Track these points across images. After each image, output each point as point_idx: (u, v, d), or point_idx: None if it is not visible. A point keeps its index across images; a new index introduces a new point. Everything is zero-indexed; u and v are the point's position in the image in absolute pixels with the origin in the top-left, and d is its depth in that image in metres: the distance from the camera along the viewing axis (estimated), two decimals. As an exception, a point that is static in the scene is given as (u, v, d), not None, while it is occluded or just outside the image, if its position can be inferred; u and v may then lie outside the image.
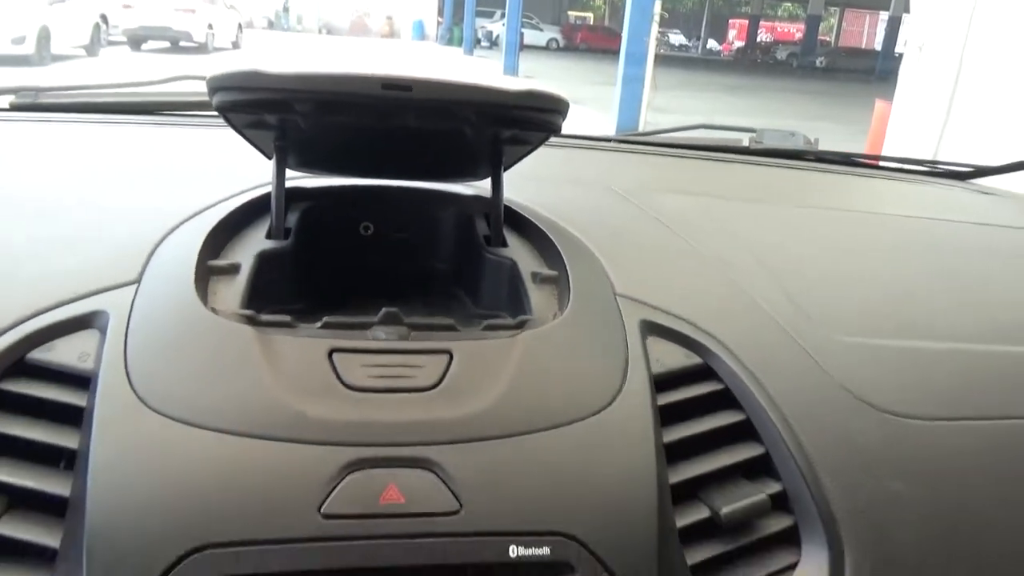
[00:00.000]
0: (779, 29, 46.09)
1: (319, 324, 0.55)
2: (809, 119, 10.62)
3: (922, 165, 1.43)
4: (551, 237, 0.70)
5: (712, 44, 42.19)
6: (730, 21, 45.42)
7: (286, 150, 0.67)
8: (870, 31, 43.52)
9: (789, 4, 43.69)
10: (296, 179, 0.74)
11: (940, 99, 5.47)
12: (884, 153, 4.62)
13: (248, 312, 0.55)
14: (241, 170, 0.79)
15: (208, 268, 0.60)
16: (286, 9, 29.97)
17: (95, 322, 0.56)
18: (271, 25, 29.47)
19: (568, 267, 0.65)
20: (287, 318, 0.55)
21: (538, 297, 0.64)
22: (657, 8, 8.13)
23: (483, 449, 0.51)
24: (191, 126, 1.12)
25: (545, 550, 0.48)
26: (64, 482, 0.49)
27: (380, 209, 0.76)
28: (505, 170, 0.72)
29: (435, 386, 0.53)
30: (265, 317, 0.55)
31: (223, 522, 0.46)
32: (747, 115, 11.09)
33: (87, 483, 0.47)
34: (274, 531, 0.46)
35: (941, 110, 5.48)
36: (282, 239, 0.67)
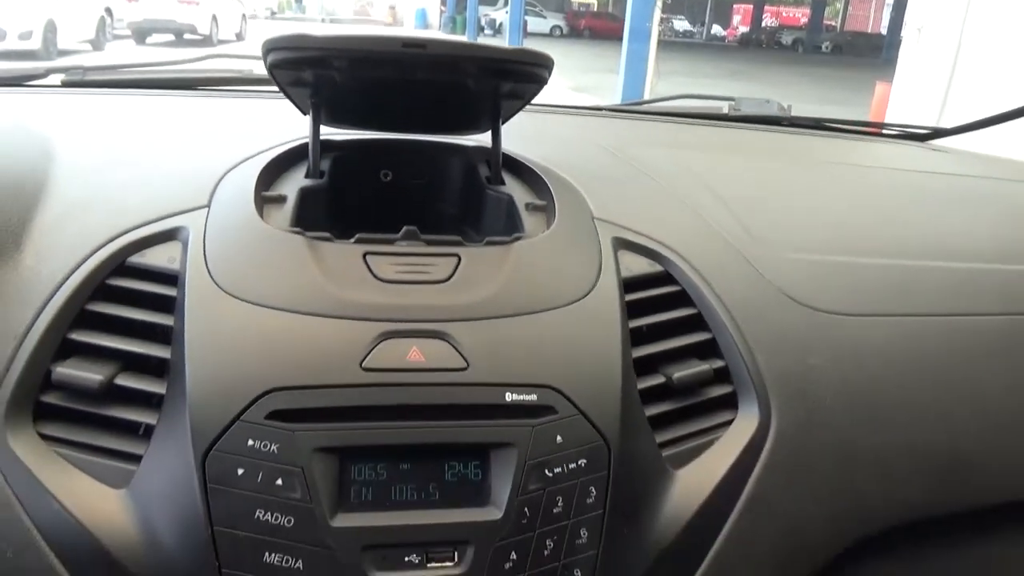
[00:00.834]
0: (784, 14, 45.98)
1: (353, 240, 0.70)
2: (812, 103, 10.70)
3: (886, 128, 1.57)
4: (541, 176, 0.84)
5: (717, 29, 42.08)
6: (734, 6, 45.34)
7: (320, 106, 0.81)
8: (876, 15, 43.35)
9: (794, -12, 43.51)
10: (327, 134, 0.88)
11: (939, 79, 5.57)
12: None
13: (297, 229, 0.70)
14: (275, 133, 0.94)
15: (262, 197, 0.75)
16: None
17: (178, 235, 0.70)
18: (272, 15, 29.56)
19: (555, 197, 0.80)
20: (327, 234, 0.70)
21: (530, 221, 0.79)
22: (659, -7, 8.23)
23: (485, 325, 0.65)
24: (227, 98, 1.26)
25: (533, 396, 0.63)
26: (164, 350, 0.64)
27: (398, 159, 0.90)
28: (503, 123, 0.86)
29: (447, 279, 0.67)
30: (310, 233, 0.70)
31: (287, 373, 0.60)
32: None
33: (184, 349, 0.61)
34: (326, 379, 0.61)
35: (940, 90, 5.58)
36: (318, 178, 0.82)
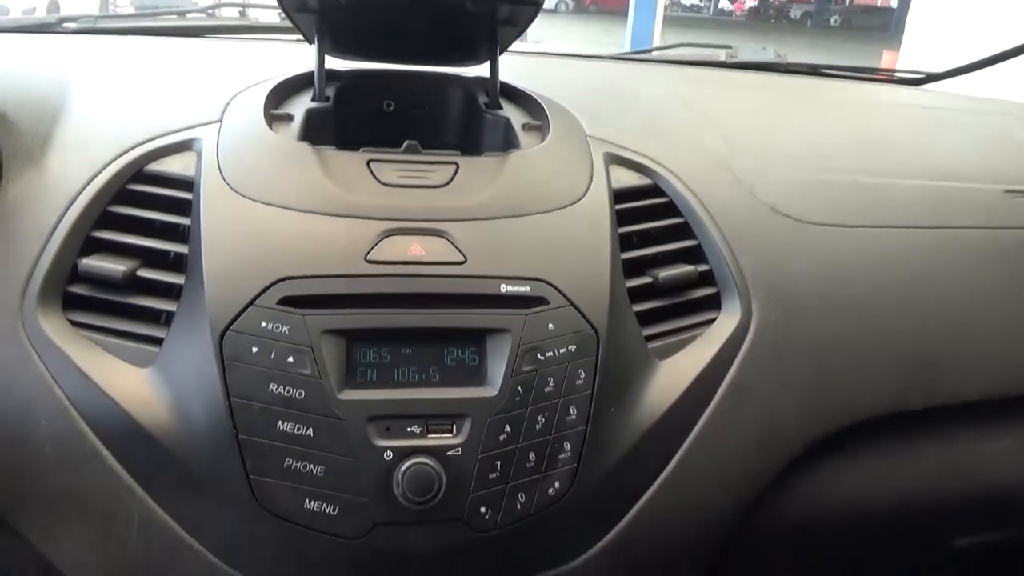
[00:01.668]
0: (793, -12, 45.40)
1: (358, 151, 0.74)
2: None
3: (882, 74, 1.59)
4: (537, 100, 0.88)
5: (724, 4, 41.65)
6: (743, -19, 44.81)
7: (325, 32, 0.85)
8: (886, -12, 42.77)
9: (803, -38, 42.94)
10: (332, 64, 0.92)
11: (945, 46, 5.54)
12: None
13: (305, 141, 0.74)
14: (280, 71, 0.97)
15: (271, 115, 0.79)
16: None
17: (192, 146, 0.75)
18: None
19: (550, 118, 0.84)
20: (333, 147, 0.74)
21: (526, 139, 0.83)
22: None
23: (482, 224, 0.70)
24: (234, 41, 1.29)
25: (526, 288, 0.67)
26: (181, 247, 0.68)
27: (399, 89, 0.94)
28: (500, 52, 0.90)
29: (446, 184, 0.72)
30: (317, 145, 0.74)
31: (297, 263, 0.65)
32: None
33: (200, 245, 0.66)
34: (334, 269, 0.65)
35: (946, 57, 5.54)
36: (324, 102, 0.86)
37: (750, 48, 1.59)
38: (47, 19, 1.35)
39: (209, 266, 0.64)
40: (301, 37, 0.84)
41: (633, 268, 0.75)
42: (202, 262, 0.64)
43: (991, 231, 0.89)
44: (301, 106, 0.84)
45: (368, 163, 0.72)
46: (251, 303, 0.63)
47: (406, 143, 0.75)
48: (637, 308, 0.73)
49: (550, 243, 0.70)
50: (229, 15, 1.43)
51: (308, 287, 0.64)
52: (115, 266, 0.66)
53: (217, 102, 0.82)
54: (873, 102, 1.31)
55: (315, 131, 0.81)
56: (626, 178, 0.81)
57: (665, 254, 0.77)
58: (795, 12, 32.59)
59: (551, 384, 0.65)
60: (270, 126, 0.76)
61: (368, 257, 0.66)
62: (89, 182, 0.71)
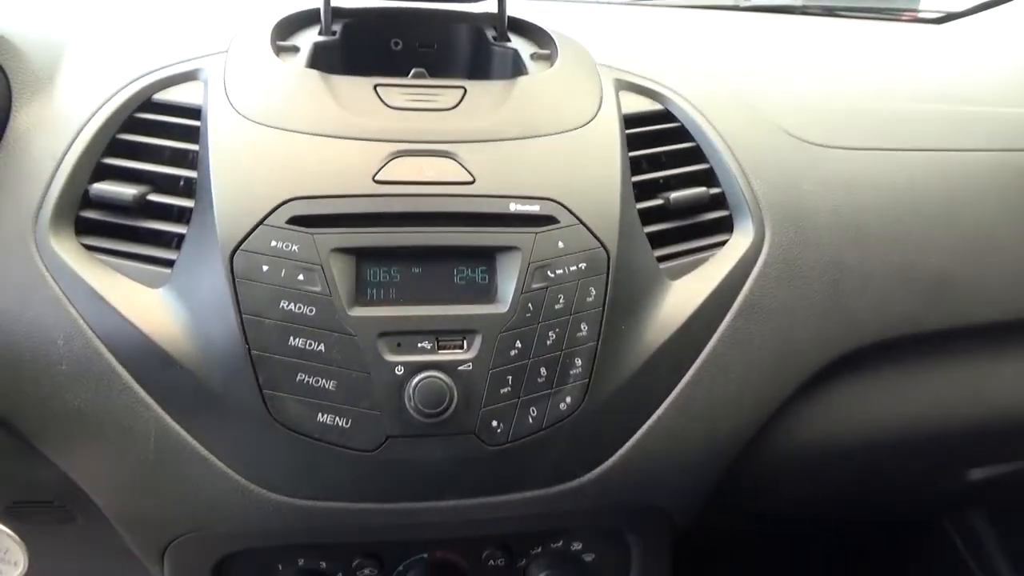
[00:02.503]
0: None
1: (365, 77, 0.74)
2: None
3: (900, 14, 1.56)
4: (545, 30, 0.87)
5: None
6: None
7: None
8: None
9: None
10: (338, 2, 0.91)
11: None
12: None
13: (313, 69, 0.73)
14: (284, 5, 0.97)
15: (277, 46, 0.79)
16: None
17: (199, 76, 0.74)
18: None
19: (558, 47, 0.83)
20: (341, 73, 0.74)
21: (535, 67, 0.82)
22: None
23: (490, 146, 0.69)
24: None
25: (536, 207, 0.67)
26: (191, 172, 0.69)
27: (407, 27, 0.93)
28: None
29: (454, 107, 0.71)
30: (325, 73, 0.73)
31: (306, 184, 0.65)
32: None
33: (209, 169, 0.66)
34: (342, 189, 0.65)
35: None
36: (331, 35, 0.85)
37: (764, -10, 1.57)
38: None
39: (218, 187, 0.64)
40: None
41: (644, 191, 0.74)
42: (211, 184, 0.65)
43: (1007, 154, 0.87)
44: (308, 39, 0.83)
45: (375, 88, 0.71)
46: (260, 223, 0.63)
47: (413, 70, 0.75)
48: (648, 230, 0.72)
49: (559, 164, 0.70)
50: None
51: (316, 207, 0.64)
52: (125, 190, 0.66)
53: (223, 34, 0.81)
54: (890, 39, 1.28)
55: (322, 63, 0.81)
56: (636, 103, 0.80)
57: (676, 178, 0.76)
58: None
59: (561, 301, 0.65)
60: (277, 55, 0.76)
61: (376, 177, 0.66)
62: (98, 110, 0.71)
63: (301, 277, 0.62)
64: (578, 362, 0.65)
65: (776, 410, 0.74)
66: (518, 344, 0.64)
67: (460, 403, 0.63)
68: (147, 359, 0.62)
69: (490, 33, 0.90)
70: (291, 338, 0.62)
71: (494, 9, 0.87)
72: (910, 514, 1.44)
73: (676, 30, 1.09)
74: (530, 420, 0.65)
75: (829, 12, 1.53)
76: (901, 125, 0.87)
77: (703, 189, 0.75)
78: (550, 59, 0.82)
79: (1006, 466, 0.98)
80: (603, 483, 0.69)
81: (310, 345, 0.62)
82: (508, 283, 0.65)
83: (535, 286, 0.65)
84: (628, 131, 0.76)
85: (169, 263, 0.66)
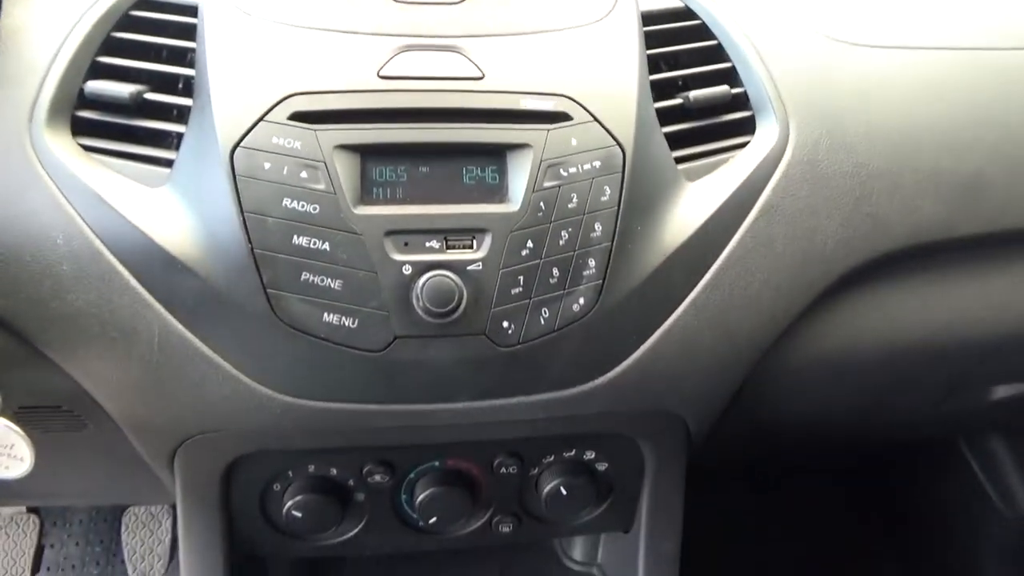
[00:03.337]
0: None
1: None
2: None
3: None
4: None
5: None
6: None
7: None
8: None
9: None
10: None
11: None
12: None
13: None
14: None
15: None
16: None
17: None
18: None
19: None
20: None
21: None
22: None
23: (500, 40, 0.66)
24: None
25: (548, 103, 0.64)
26: (188, 71, 0.66)
27: None
28: None
29: (462, 1, 0.68)
30: None
31: (307, 79, 0.62)
32: None
33: (206, 65, 0.63)
34: (346, 84, 0.62)
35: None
36: None
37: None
38: None
39: (216, 83, 0.62)
40: None
41: (662, 91, 0.71)
42: (208, 80, 0.62)
43: None
44: None
45: None
46: (261, 119, 0.60)
47: None
48: (666, 130, 0.69)
49: (572, 60, 0.66)
50: None
51: (319, 102, 0.61)
52: (122, 88, 0.64)
53: None
54: None
55: None
56: (655, 2, 0.76)
57: (697, 77, 0.73)
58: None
59: (575, 200, 0.63)
60: None
61: (381, 72, 0.63)
62: (91, 7, 0.68)
63: (304, 175, 0.60)
64: (591, 263, 0.63)
65: (798, 316, 0.72)
66: (529, 244, 0.62)
67: (469, 303, 0.61)
68: (148, 259, 0.61)
69: None
70: (295, 237, 0.60)
71: None
72: (927, 436, 1.43)
73: None
74: (542, 321, 0.63)
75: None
76: (935, 23, 0.82)
77: (724, 88, 0.71)
78: None
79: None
80: (616, 387, 0.67)
81: (314, 244, 0.60)
82: (519, 182, 0.62)
83: (547, 185, 0.62)
84: (647, 28, 0.72)
85: (168, 163, 0.64)
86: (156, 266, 0.61)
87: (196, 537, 0.77)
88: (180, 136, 0.64)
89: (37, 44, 0.66)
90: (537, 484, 0.79)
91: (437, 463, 0.77)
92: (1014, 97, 0.79)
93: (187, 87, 0.66)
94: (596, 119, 0.64)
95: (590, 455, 0.79)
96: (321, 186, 0.60)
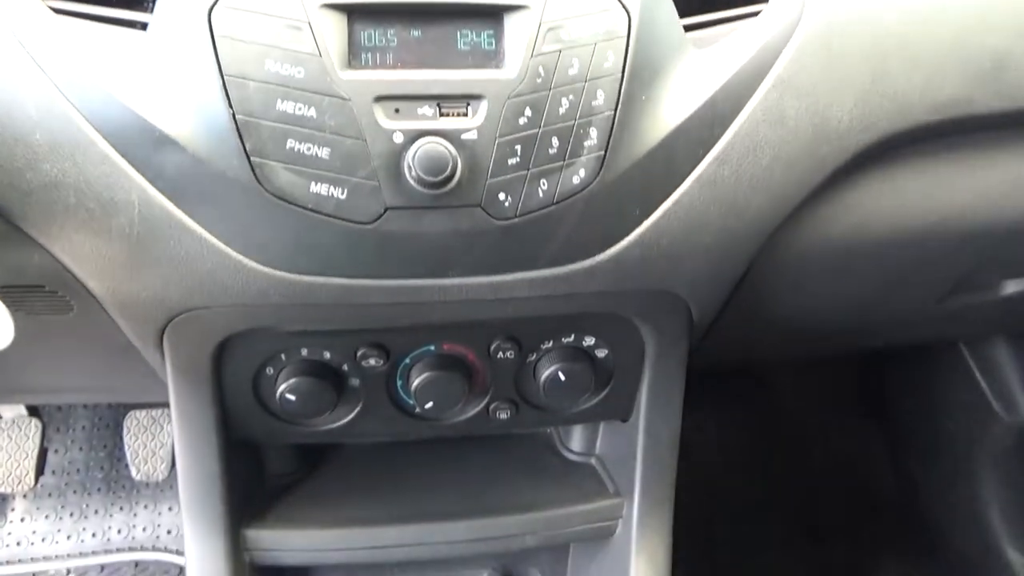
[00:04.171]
0: None
1: None
2: None
3: None
4: None
5: None
6: None
7: None
8: None
9: None
10: None
11: None
12: None
13: None
14: None
15: None
16: None
17: None
18: None
19: None
20: None
21: None
22: None
23: None
24: None
25: None
26: None
27: None
28: None
29: None
30: None
31: None
32: None
33: None
34: None
35: None
36: None
37: None
38: None
39: None
40: None
41: None
42: None
43: None
44: None
45: None
46: None
47: None
48: None
49: None
50: None
51: None
52: None
53: None
54: None
55: None
56: None
57: None
58: None
59: (576, 66, 0.59)
60: None
61: None
62: None
63: (287, 36, 0.56)
64: (593, 133, 0.60)
65: (808, 196, 0.69)
66: (527, 112, 0.59)
67: (464, 174, 0.58)
68: (124, 127, 0.57)
69: None
70: (279, 101, 0.56)
71: None
72: (929, 339, 1.42)
73: None
74: (540, 194, 0.60)
75: None
76: None
77: None
78: None
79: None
80: (617, 265, 0.65)
81: (300, 110, 0.56)
82: (517, 46, 0.59)
83: (547, 49, 0.59)
84: None
85: (144, 26, 0.60)
86: (133, 134, 0.58)
87: (190, 421, 0.76)
88: None
89: None
90: (535, 370, 0.78)
91: (433, 347, 0.75)
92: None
93: None
94: None
95: (589, 341, 0.77)
96: (306, 48, 0.56)
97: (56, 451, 1.75)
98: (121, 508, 1.73)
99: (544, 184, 0.60)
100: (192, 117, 0.57)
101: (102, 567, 1.66)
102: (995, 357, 1.47)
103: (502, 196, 0.60)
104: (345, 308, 0.65)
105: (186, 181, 0.59)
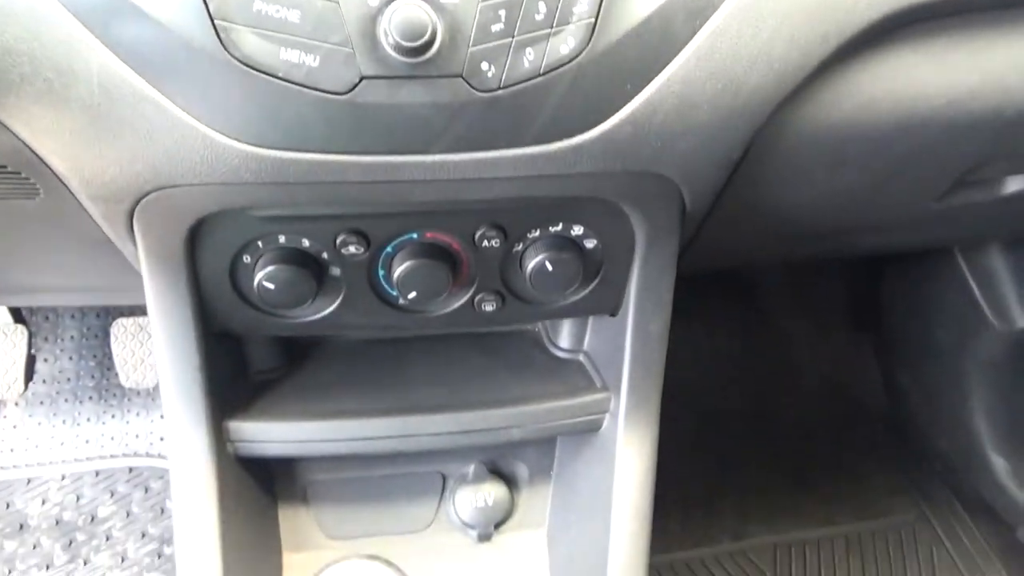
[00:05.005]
0: None
1: None
2: None
3: None
4: None
5: None
6: None
7: None
8: None
9: None
10: None
11: None
12: None
13: None
14: None
15: None
16: None
17: None
18: None
19: None
20: None
21: None
22: None
23: None
24: None
25: None
26: None
27: None
28: None
29: None
30: None
31: None
32: None
33: None
34: None
35: None
36: None
37: None
38: None
39: None
40: None
41: None
42: None
43: None
44: None
45: None
46: None
47: None
48: None
49: None
50: None
51: None
52: None
53: None
54: None
55: None
56: None
57: None
58: None
59: None
60: None
61: None
62: None
63: None
64: (569, 40, 0.56)
65: (809, 76, 0.65)
66: (502, 14, 0.55)
67: (444, 41, 0.54)
68: None
69: None
70: None
71: None
72: (924, 243, 1.40)
73: None
74: (526, 64, 0.57)
75: None
76: None
77: None
78: None
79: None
80: (608, 143, 0.62)
81: None
82: None
83: None
84: None
85: None
86: None
87: (166, 312, 0.74)
88: None
89: None
90: (522, 260, 0.76)
91: (415, 235, 0.72)
92: None
93: None
94: None
95: (578, 231, 0.74)
96: None
97: (46, 360, 1.74)
98: (113, 416, 1.73)
99: (530, 53, 0.56)
100: None
101: (96, 472, 1.68)
102: (990, 264, 1.46)
103: (485, 65, 0.56)
104: (320, 187, 0.62)
105: (148, 48, 0.55)
